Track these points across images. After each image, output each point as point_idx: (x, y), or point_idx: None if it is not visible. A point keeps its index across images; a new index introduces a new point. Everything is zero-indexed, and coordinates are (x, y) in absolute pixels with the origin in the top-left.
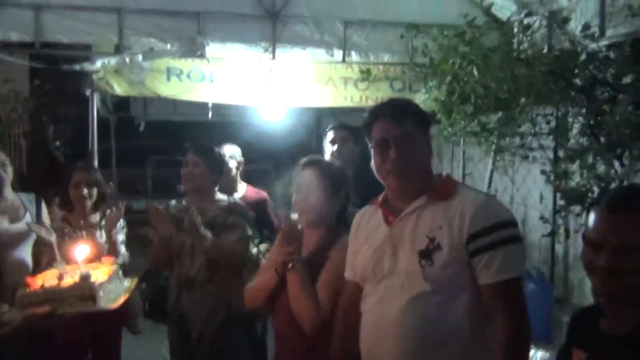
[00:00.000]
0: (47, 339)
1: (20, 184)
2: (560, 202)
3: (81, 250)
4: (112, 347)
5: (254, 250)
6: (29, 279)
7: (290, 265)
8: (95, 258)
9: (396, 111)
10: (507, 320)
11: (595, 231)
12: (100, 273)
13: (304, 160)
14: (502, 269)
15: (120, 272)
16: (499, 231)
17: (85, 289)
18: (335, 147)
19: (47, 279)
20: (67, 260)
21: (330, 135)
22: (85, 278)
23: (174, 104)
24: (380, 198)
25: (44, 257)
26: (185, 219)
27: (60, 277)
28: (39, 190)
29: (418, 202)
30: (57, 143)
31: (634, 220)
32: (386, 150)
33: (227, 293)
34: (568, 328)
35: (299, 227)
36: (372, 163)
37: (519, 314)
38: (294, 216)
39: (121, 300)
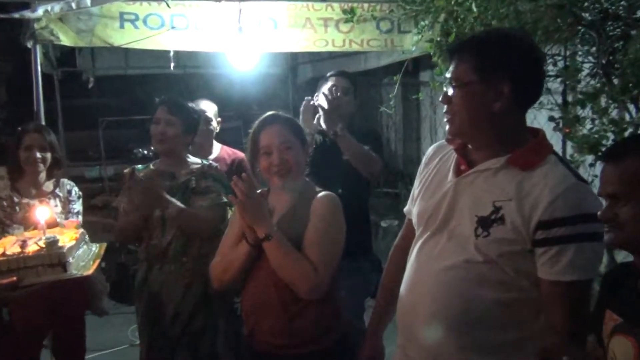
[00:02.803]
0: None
1: None
2: (571, 152)
3: (42, 212)
4: (75, 332)
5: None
6: None
7: (263, 235)
8: (53, 227)
9: (455, 49)
10: (563, 328)
11: (600, 184)
12: (66, 238)
13: (264, 117)
14: (569, 268)
15: (87, 237)
16: (577, 224)
17: (54, 256)
18: (340, 95)
19: (7, 246)
20: (25, 227)
21: (332, 81)
22: (52, 244)
23: (127, 55)
24: (460, 141)
25: None
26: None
27: (23, 244)
28: None
29: (494, 163)
30: None
31: (618, 169)
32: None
33: (204, 265)
34: (600, 289)
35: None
36: None
37: (578, 323)
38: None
39: (93, 267)
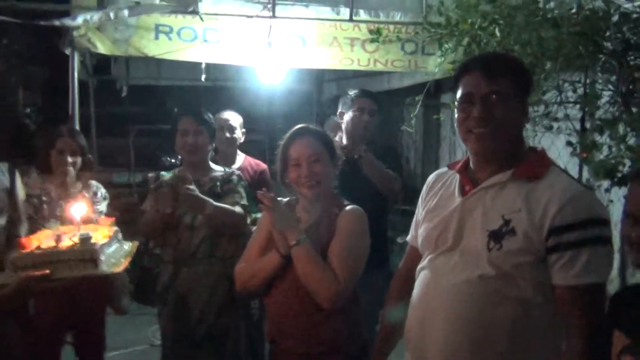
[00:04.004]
0: (23, 323)
1: None
2: (587, 176)
3: (78, 208)
4: (96, 331)
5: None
6: (23, 240)
7: (294, 241)
8: (88, 223)
9: (490, 64)
10: (582, 332)
11: (630, 204)
12: (99, 235)
13: (295, 130)
14: (585, 271)
15: (120, 235)
16: (588, 229)
17: (86, 252)
18: (366, 117)
19: (42, 240)
20: (61, 222)
21: (359, 102)
22: (85, 240)
23: (159, 66)
24: (460, 163)
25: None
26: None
27: (58, 239)
28: (9, 161)
29: (501, 177)
30: (28, 110)
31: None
32: (470, 107)
33: (229, 267)
34: (609, 309)
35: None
36: (455, 120)
37: (597, 327)
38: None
39: (124, 264)
